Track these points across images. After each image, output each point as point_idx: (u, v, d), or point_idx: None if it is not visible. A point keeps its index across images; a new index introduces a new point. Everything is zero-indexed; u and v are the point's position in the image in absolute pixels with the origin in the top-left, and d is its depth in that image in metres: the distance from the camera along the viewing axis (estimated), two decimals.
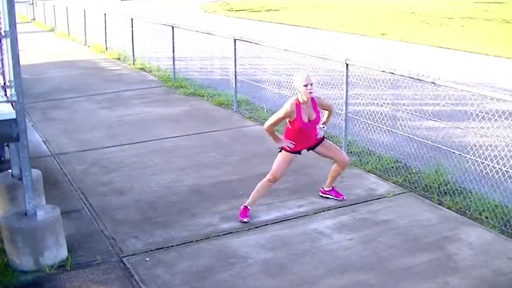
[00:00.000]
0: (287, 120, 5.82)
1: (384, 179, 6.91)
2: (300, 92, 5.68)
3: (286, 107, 5.73)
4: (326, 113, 6.09)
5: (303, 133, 5.81)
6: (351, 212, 6.01)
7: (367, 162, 7.35)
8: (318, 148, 6.04)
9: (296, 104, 5.70)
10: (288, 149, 5.82)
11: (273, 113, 5.99)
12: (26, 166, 4.88)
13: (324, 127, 6.09)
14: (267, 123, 5.89)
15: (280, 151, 5.90)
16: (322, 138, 6.03)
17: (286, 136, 5.89)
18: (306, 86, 5.60)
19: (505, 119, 6.46)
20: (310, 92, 5.64)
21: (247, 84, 10.85)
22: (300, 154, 6.01)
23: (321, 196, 6.33)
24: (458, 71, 14.38)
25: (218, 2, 47.91)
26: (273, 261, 5.03)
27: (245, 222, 5.75)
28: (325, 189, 6.35)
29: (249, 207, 5.89)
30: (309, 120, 5.76)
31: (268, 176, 5.90)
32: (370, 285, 4.64)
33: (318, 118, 5.85)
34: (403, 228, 5.61)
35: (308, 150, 6.07)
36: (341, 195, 6.31)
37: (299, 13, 33.59)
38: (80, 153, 8.09)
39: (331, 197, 6.29)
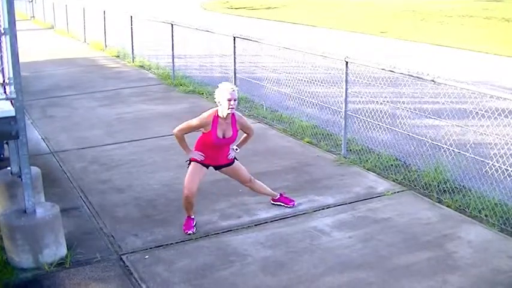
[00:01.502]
0: (201, 130, 5.47)
1: (383, 177, 6.91)
2: (221, 105, 5.30)
3: (203, 116, 5.39)
4: (243, 136, 5.71)
5: (214, 148, 5.47)
6: (351, 210, 6.01)
7: (367, 160, 7.35)
8: (226, 169, 5.69)
9: (214, 116, 5.35)
10: (198, 160, 5.48)
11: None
12: (25, 164, 4.88)
13: (237, 149, 5.71)
14: (177, 128, 5.51)
15: (189, 164, 5.54)
16: (233, 160, 5.68)
17: (197, 146, 5.55)
18: (229, 100, 5.23)
19: (505, 117, 6.46)
20: (232, 108, 5.26)
21: (246, 82, 10.84)
22: (207, 168, 5.59)
23: (273, 204, 6.09)
24: (457, 69, 14.37)
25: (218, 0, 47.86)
26: (272, 259, 5.04)
27: (190, 234, 5.49)
28: (274, 198, 6.09)
29: (192, 216, 5.64)
30: (224, 137, 5.39)
31: (183, 192, 5.50)
32: (370, 283, 4.65)
33: (234, 137, 5.47)
34: (402, 227, 5.61)
35: (215, 169, 5.68)
36: (292, 201, 6.08)
37: (298, 11, 33.55)
38: (79, 151, 8.09)
39: (282, 204, 6.04)
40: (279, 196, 6.10)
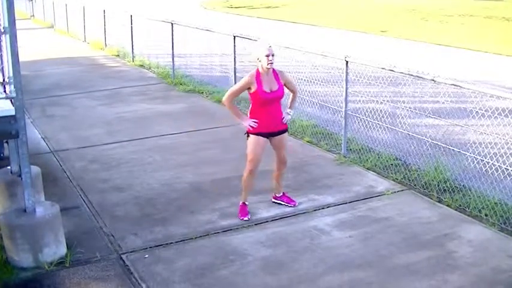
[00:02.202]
0: (249, 94, 5.61)
1: (383, 176, 6.91)
2: (260, 61, 5.49)
3: (245, 78, 5.57)
4: (291, 95, 5.87)
5: (267, 108, 5.58)
6: (351, 209, 6.01)
7: (367, 160, 7.35)
8: (278, 138, 5.75)
9: (256, 74, 5.52)
10: (252, 129, 5.60)
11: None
12: (25, 163, 4.87)
13: (290, 111, 5.85)
14: (226, 95, 5.67)
15: (248, 136, 5.69)
16: (286, 129, 5.81)
17: (250, 115, 5.68)
18: (267, 56, 5.42)
19: (505, 116, 6.45)
20: (271, 63, 5.45)
21: None
22: (267, 138, 5.70)
23: (273, 202, 6.14)
24: (458, 68, 14.37)
25: None
26: (272, 259, 5.03)
27: (247, 220, 5.72)
28: (277, 195, 6.14)
29: (246, 203, 5.87)
30: (271, 91, 5.53)
31: (247, 166, 5.73)
32: (370, 283, 4.64)
33: (281, 90, 5.61)
34: (402, 226, 5.61)
35: (271, 137, 5.73)
36: (293, 201, 6.12)
37: (298, 10, 33.54)
38: (79, 150, 8.08)
39: (282, 203, 6.09)
40: (282, 194, 6.12)
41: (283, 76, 5.69)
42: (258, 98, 5.55)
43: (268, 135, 5.73)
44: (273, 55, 5.48)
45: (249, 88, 5.57)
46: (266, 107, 5.61)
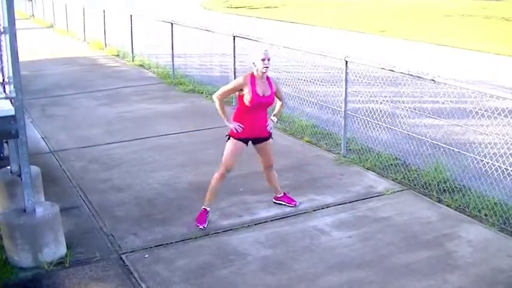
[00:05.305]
0: (238, 97, 5.60)
1: (383, 176, 6.91)
2: (255, 66, 5.49)
3: (239, 79, 5.58)
4: (278, 103, 5.84)
5: (253, 113, 5.55)
6: (350, 209, 6.01)
7: (367, 160, 7.35)
8: (262, 145, 5.76)
9: (251, 76, 5.51)
10: (235, 132, 5.56)
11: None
12: (25, 163, 4.87)
13: (275, 119, 5.83)
14: (217, 93, 5.66)
15: (228, 139, 5.66)
16: (270, 135, 5.78)
17: (235, 116, 5.65)
18: (263, 60, 5.43)
19: (505, 116, 6.45)
20: (266, 67, 5.45)
21: None
22: (247, 145, 5.68)
23: (274, 203, 6.13)
24: (457, 68, 14.37)
25: None
26: (272, 259, 5.03)
27: (202, 229, 5.53)
28: (278, 195, 6.13)
29: (208, 209, 5.70)
30: (263, 95, 5.51)
31: (219, 169, 5.67)
32: (369, 282, 4.65)
33: (272, 97, 5.60)
34: (402, 226, 5.61)
35: (253, 143, 5.74)
36: (294, 201, 6.10)
37: (298, 10, 33.54)
38: (79, 150, 8.08)
39: (283, 203, 6.08)
40: (282, 194, 6.11)
41: (275, 84, 5.72)
42: (249, 100, 5.48)
43: (251, 140, 5.71)
44: (268, 59, 5.47)
45: (241, 90, 5.53)
46: (253, 112, 5.56)
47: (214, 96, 5.70)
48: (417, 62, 14.59)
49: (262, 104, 5.56)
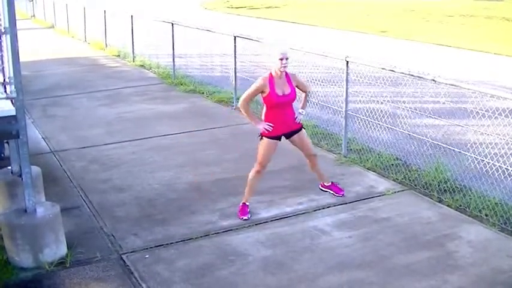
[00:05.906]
0: (262, 98, 5.72)
1: (383, 176, 6.91)
2: (274, 65, 5.61)
3: (258, 80, 5.66)
4: (303, 95, 6.00)
5: (280, 110, 5.70)
6: (351, 209, 6.01)
7: (367, 160, 7.35)
8: (295, 137, 5.92)
9: (270, 77, 5.62)
10: (266, 132, 5.71)
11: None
12: (26, 163, 4.87)
13: (302, 111, 5.97)
14: (241, 100, 5.76)
15: (261, 139, 5.80)
16: (301, 127, 5.94)
17: (266, 118, 5.78)
18: (281, 59, 5.53)
19: (505, 116, 6.46)
20: (285, 66, 5.56)
21: (247, 81, 10.82)
22: (280, 140, 5.85)
23: (321, 190, 6.33)
24: (458, 68, 14.37)
25: None
26: (272, 259, 5.03)
27: (246, 219, 5.75)
28: (325, 184, 6.33)
29: (247, 203, 5.90)
30: (283, 94, 5.65)
31: (255, 167, 5.85)
32: (370, 283, 4.64)
33: (293, 94, 5.72)
34: (402, 226, 5.61)
35: (286, 138, 5.91)
36: (341, 190, 6.30)
37: (298, 11, 33.55)
38: (79, 150, 8.09)
39: (330, 191, 6.28)
40: (330, 183, 6.28)
41: (295, 78, 5.81)
42: (271, 101, 5.65)
43: (284, 136, 5.87)
44: (286, 59, 5.57)
45: (262, 92, 5.66)
46: (279, 109, 5.72)
47: (240, 106, 5.83)
48: (418, 62, 14.58)
49: (284, 102, 5.69)
